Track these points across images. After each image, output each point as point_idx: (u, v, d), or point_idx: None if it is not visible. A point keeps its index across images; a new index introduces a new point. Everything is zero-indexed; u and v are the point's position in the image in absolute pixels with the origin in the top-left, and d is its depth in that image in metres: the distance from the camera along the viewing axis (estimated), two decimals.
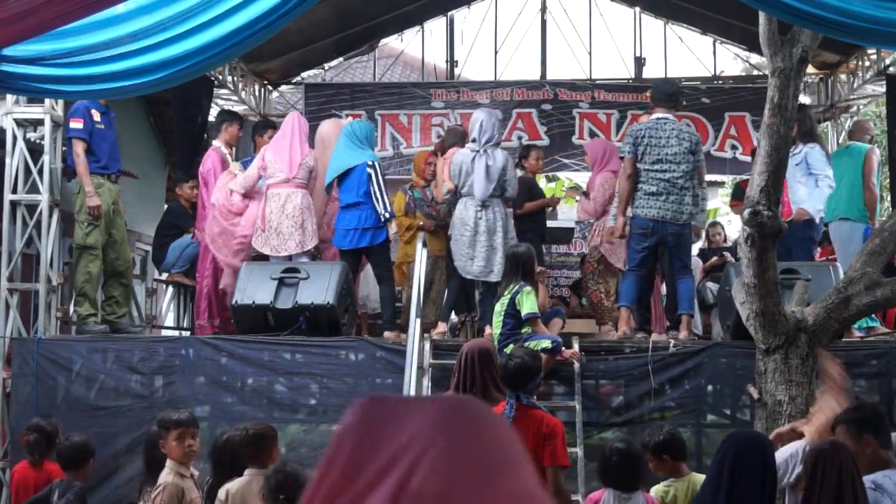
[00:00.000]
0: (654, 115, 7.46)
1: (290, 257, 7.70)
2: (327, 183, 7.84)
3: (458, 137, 8.43)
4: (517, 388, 4.48)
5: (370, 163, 7.63)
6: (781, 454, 3.95)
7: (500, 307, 6.64)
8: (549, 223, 9.47)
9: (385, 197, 7.59)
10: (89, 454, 5.23)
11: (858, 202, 8.35)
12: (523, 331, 6.53)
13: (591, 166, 8.97)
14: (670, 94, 7.57)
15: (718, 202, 16.40)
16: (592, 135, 12.01)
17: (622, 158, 7.37)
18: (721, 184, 14.01)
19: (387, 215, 7.57)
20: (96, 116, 7.75)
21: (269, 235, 7.77)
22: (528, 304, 6.45)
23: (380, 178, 7.62)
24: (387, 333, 7.49)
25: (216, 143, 8.42)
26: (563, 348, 6.66)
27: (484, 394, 4.96)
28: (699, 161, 7.34)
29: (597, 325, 8.32)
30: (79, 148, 7.65)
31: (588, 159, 9.10)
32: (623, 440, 4.96)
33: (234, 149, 8.88)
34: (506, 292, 6.65)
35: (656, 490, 4.89)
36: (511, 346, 6.46)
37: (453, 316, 8.52)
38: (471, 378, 5.02)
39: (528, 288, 6.51)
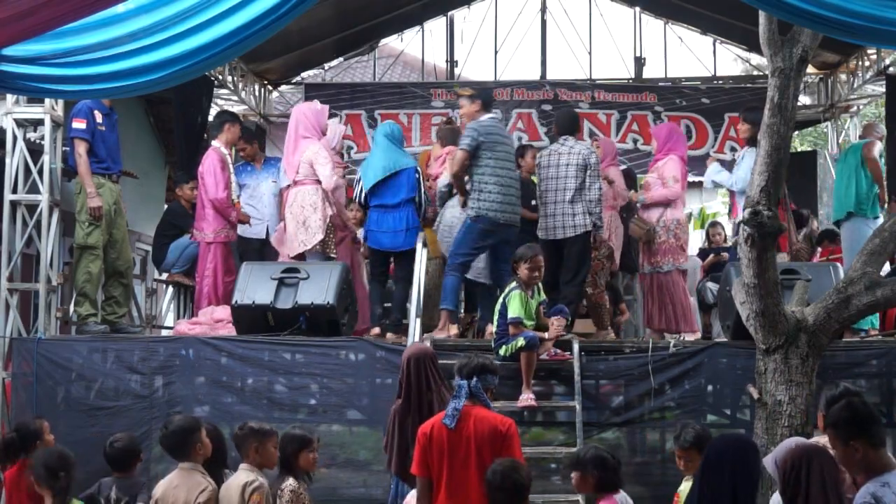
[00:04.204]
0: (487, 116, 7.49)
1: (303, 256, 7.71)
2: (373, 183, 7.74)
3: (456, 136, 8.44)
4: (470, 376, 4.49)
5: (418, 170, 7.81)
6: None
7: (498, 306, 6.66)
8: None
9: (425, 203, 7.82)
10: (136, 454, 5.25)
11: (865, 196, 8.45)
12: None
13: (655, 150, 8.86)
14: (490, 97, 7.76)
15: (718, 203, 16.40)
16: (592, 135, 12.00)
17: (465, 151, 7.31)
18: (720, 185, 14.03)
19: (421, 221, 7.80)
20: (98, 117, 7.74)
21: (283, 237, 7.97)
22: (512, 308, 6.47)
23: (423, 184, 7.80)
24: (389, 335, 7.49)
25: (216, 143, 8.40)
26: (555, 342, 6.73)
27: (420, 398, 4.98)
28: None
29: (595, 328, 8.23)
30: (81, 148, 7.64)
31: (654, 145, 8.92)
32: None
33: (234, 149, 8.87)
34: (503, 292, 6.68)
35: (687, 485, 4.79)
36: (503, 347, 6.48)
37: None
38: (407, 383, 5.05)
39: (516, 291, 6.50)
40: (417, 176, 7.72)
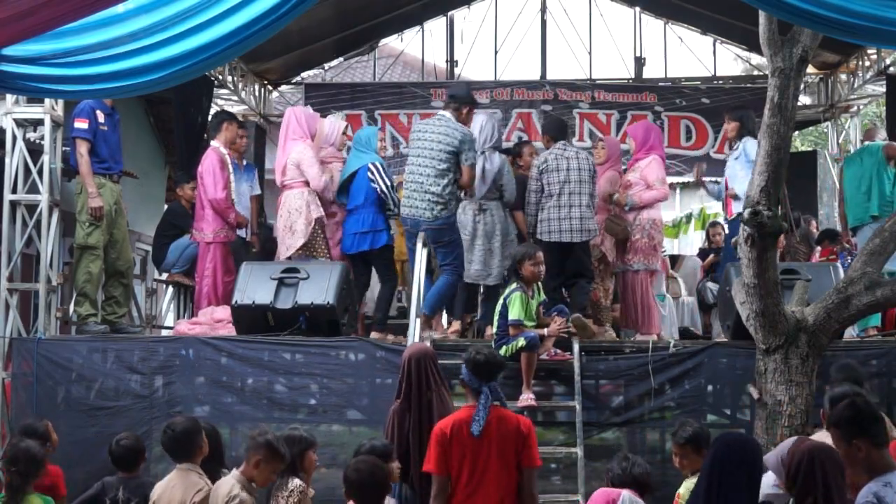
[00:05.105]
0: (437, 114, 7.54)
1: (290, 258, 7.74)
2: (337, 191, 7.97)
3: None
4: (489, 379, 4.51)
5: (370, 165, 7.69)
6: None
7: (498, 307, 6.66)
8: None
9: (392, 193, 7.67)
10: (141, 454, 5.24)
11: (889, 196, 8.39)
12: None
13: (633, 150, 8.65)
14: (455, 94, 7.54)
15: (718, 204, 16.39)
16: (592, 135, 12.00)
17: None
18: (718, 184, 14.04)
19: (393, 211, 7.67)
20: (100, 117, 7.75)
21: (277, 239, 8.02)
22: (513, 309, 6.47)
23: (383, 175, 7.68)
24: (373, 333, 7.49)
25: (215, 143, 8.40)
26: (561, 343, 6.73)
27: (420, 398, 4.98)
28: (464, 162, 7.22)
29: (594, 326, 8.21)
30: (83, 148, 7.64)
31: (632, 144, 8.71)
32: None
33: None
34: (503, 293, 6.68)
35: (690, 483, 4.74)
36: (504, 347, 6.49)
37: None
38: (407, 382, 5.06)
39: (517, 293, 6.50)
40: (370, 175, 7.67)
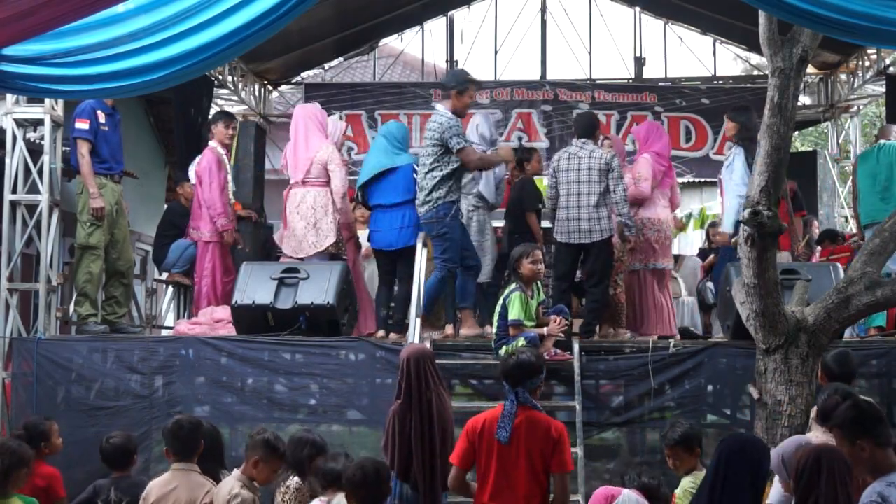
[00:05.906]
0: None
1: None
2: (361, 182, 7.76)
3: None
4: (516, 384, 4.51)
5: (417, 167, 7.64)
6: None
7: (498, 308, 6.66)
8: (548, 224, 9.46)
9: None
10: (132, 453, 5.25)
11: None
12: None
13: (637, 152, 8.68)
14: (443, 83, 7.41)
15: (718, 204, 16.40)
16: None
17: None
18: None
19: None
20: (101, 117, 7.74)
21: (288, 236, 7.90)
22: (513, 310, 6.46)
23: None
24: (392, 335, 7.48)
25: (212, 143, 8.42)
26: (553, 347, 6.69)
27: (419, 398, 5.00)
28: (453, 148, 7.06)
29: (612, 327, 8.09)
30: (84, 149, 7.64)
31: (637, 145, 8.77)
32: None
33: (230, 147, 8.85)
34: (503, 293, 6.68)
35: (686, 482, 4.76)
36: (504, 347, 6.48)
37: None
38: (406, 383, 5.05)
39: (517, 293, 6.49)
40: (415, 174, 7.65)
